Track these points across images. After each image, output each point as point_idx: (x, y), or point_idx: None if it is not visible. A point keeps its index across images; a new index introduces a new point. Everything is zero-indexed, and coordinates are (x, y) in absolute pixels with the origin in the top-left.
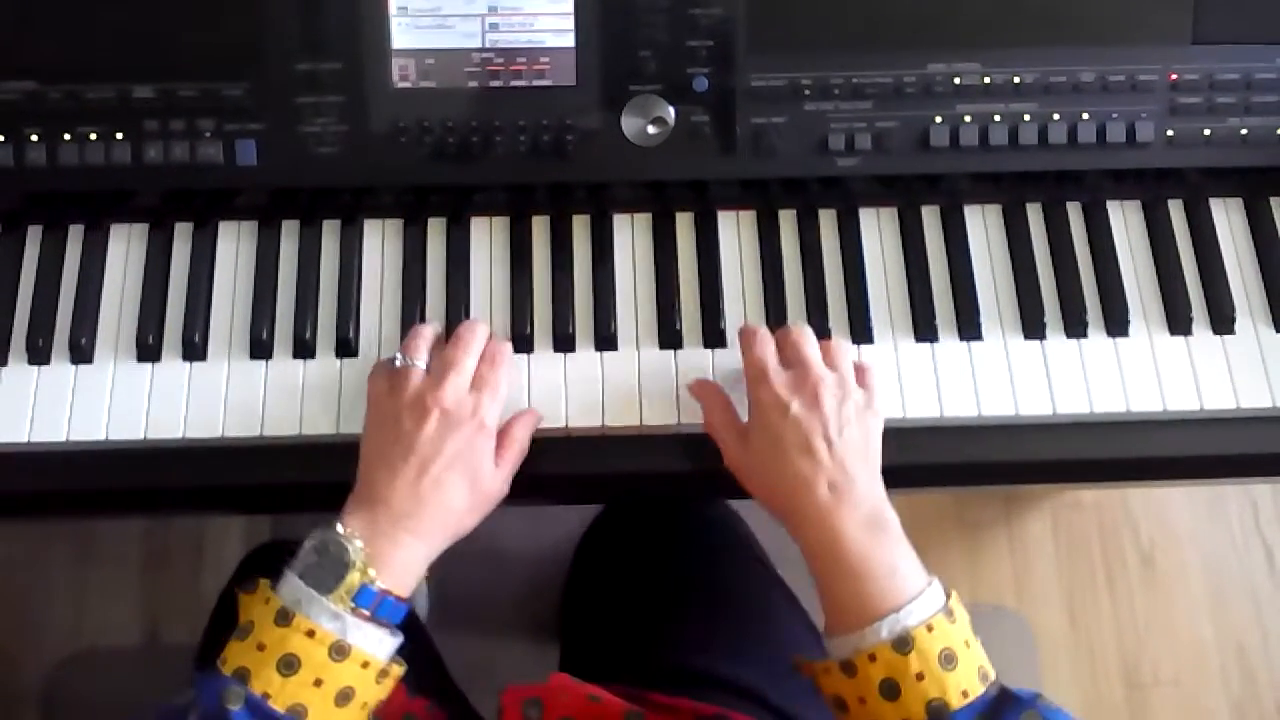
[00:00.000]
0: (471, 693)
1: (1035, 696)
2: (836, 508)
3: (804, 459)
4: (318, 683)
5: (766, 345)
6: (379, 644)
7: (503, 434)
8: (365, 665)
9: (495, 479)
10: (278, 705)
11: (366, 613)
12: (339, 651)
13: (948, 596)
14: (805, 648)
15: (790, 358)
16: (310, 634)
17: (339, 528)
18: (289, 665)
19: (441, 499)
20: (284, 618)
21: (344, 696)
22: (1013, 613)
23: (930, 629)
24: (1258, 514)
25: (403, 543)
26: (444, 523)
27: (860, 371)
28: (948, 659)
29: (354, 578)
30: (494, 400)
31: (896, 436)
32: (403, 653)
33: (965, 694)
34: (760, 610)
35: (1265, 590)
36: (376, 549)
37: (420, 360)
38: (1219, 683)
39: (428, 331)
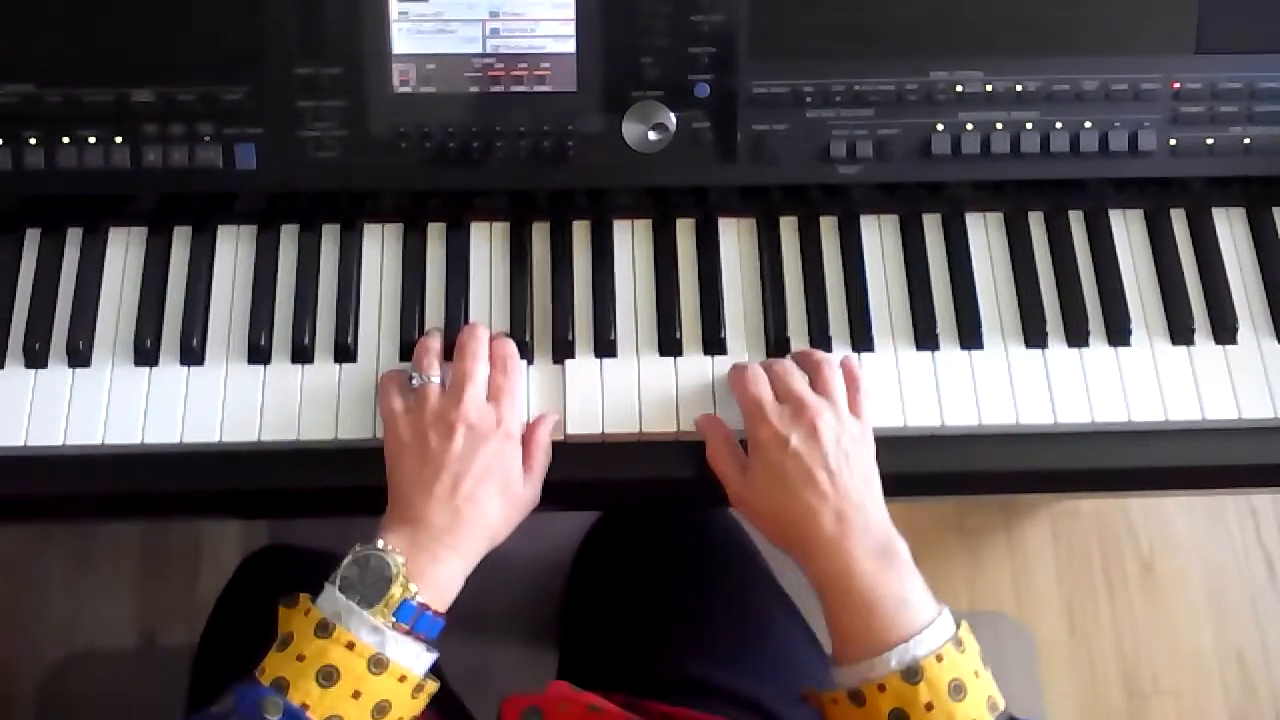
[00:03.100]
0: (469, 699)
1: None
2: (845, 538)
3: (808, 491)
4: (356, 695)
5: (760, 382)
6: (416, 658)
7: (527, 442)
8: (402, 679)
9: (527, 487)
10: (315, 716)
11: (406, 627)
12: (378, 664)
13: (957, 626)
14: (805, 657)
15: (781, 392)
16: (350, 646)
17: (379, 543)
18: (328, 676)
19: (477, 512)
20: (324, 629)
21: (380, 710)
22: (1013, 620)
23: (940, 659)
24: (1258, 522)
25: (442, 558)
26: (481, 535)
27: (853, 397)
28: (957, 689)
29: (395, 592)
30: (513, 407)
31: (897, 445)
32: (435, 669)
33: None
34: (760, 619)
35: (1265, 599)
36: (417, 565)
37: (435, 375)
38: (1219, 691)
39: (436, 344)
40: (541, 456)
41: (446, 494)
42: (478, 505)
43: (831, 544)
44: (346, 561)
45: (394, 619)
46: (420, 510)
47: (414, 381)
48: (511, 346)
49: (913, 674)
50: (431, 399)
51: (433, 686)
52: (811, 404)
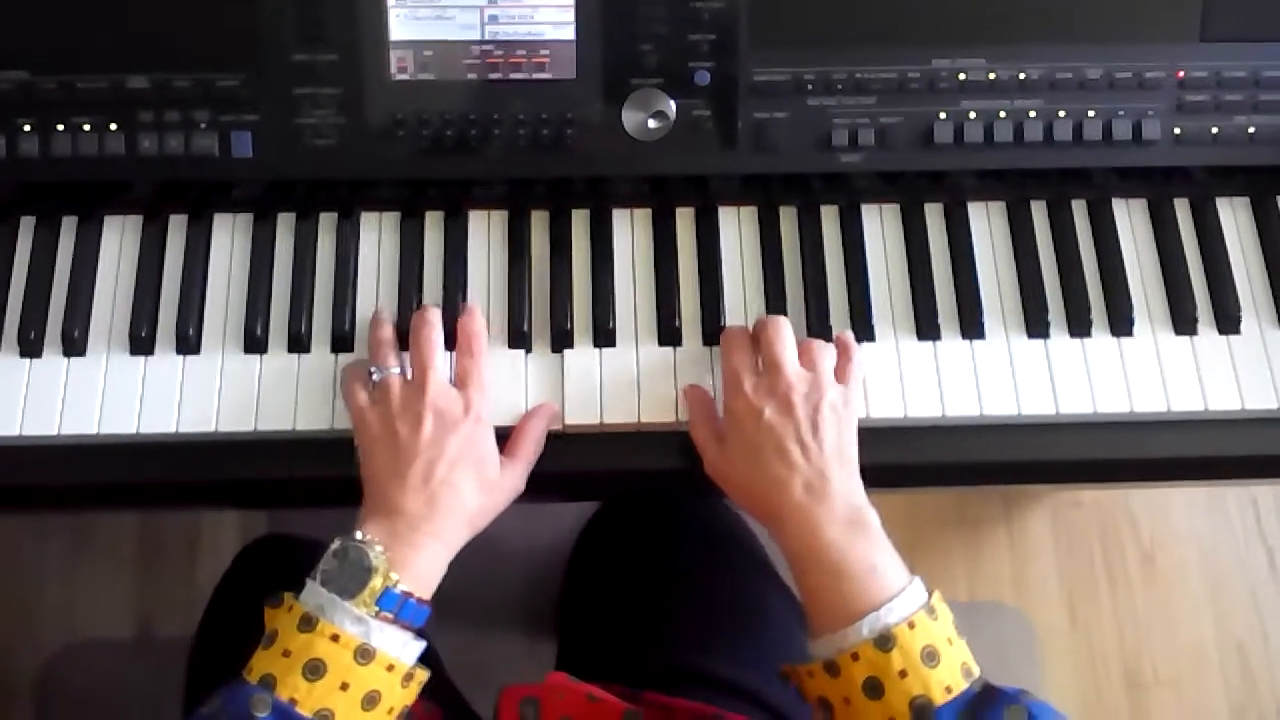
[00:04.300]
0: (468, 690)
1: (1020, 692)
2: (813, 508)
3: (778, 463)
4: (344, 686)
5: (742, 353)
6: (403, 647)
7: (516, 432)
8: (390, 669)
9: (507, 473)
10: (305, 710)
11: (390, 615)
12: (364, 655)
13: (930, 594)
14: (803, 647)
15: (765, 358)
16: (335, 638)
17: (358, 535)
18: (315, 670)
19: (453, 496)
20: (308, 624)
21: (370, 700)
22: (1013, 610)
23: (912, 626)
24: (1259, 513)
25: (422, 545)
26: (459, 520)
27: (843, 365)
28: (930, 655)
29: (376, 581)
30: (481, 391)
31: (898, 436)
32: (431, 661)
33: (949, 690)
34: (759, 610)
35: (1266, 590)
36: (397, 553)
37: (394, 366)
38: (1219, 682)
39: (388, 334)
40: (529, 447)
41: (419, 482)
42: (453, 490)
43: (799, 512)
44: (326, 555)
45: (377, 608)
46: (396, 500)
47: (374, 376)
48: (478, 324)
49: (885, 641)
50: (395, 391)
51: (423, 675)
52: (789, 375)
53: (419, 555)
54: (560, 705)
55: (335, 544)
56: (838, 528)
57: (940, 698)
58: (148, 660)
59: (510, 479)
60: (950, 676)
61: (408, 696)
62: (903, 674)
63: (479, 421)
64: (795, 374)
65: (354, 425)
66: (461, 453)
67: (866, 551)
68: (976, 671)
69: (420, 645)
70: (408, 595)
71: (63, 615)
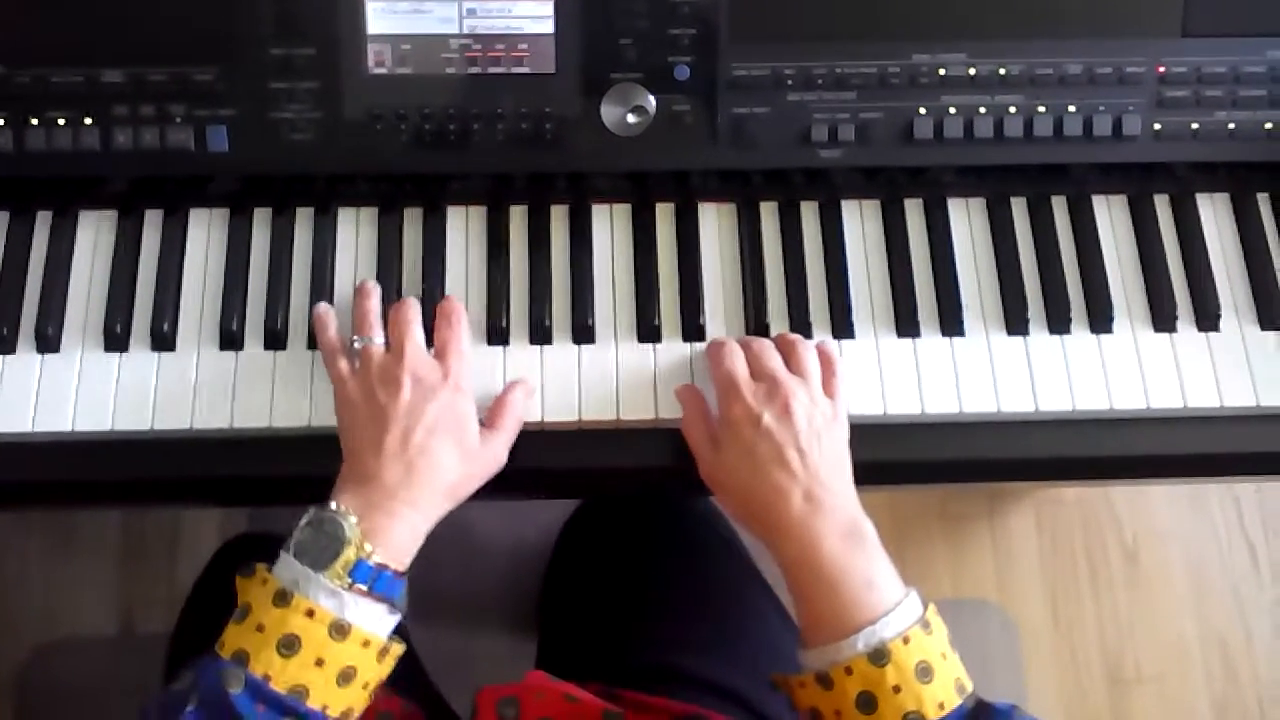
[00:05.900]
0: (448, 689)
1: (1012, 708)
2: (813, 518)
3: (778, 470)
4: (319, 662)
5: (736, 358)
6: (379, 621)
7: (496, 402)
8: (366, 644)
9: (488, 443)
10: (278, 686)
11: (364, 588)
12: (339, 630)
13: (924, 608)
14: (784, 646)
15: (756, 370)
16: (310, 613)
17: (333, 505)
18: (289, 646)
19: (431, 465)
20: (282, 598)
21: (345, 676)
22: (996, 608)
23: (907, 641)
24: (1240, 510)
25: (398, 514)
26: (437, 490)
27: (828, 379)
28: (924, 671)
29: (350, 553)
30: (460, 359)
31: (877, 433)
32: (398, 633)
33: (942, 706)
34: (740, 608)
35: (1248, 587)
36: (372, 523)
37: (378, 336)
38: (1201, 679)
39: (374, 305)
40: (509, 418)
41: (397, 448)
42: (431, 458)
43: (799, 523)
44: (300, 525)
45: (351, 580)
46: (372, 467)
47: (356, 344)
48: (456, 303)
49: (880, 656)
50: (375, 358)
51: (398, 649)
52: (785, 383)
53: (395, 525)
54: (539, 705)
55: (309, 514)
56: (836, 540)
57: (933, 714)
58: (129, 657)
59: (491, 449)
60: (944, 692)
61: (384, 670)
62: (896, 689)
63: (458, 390)
64: (792, 382)
65: (335, 392)
66: (440, 419)
67: (865, 565)
68: (969, 687)
69: (395, 619)
70: (382, 567)
71: (44, 612)
